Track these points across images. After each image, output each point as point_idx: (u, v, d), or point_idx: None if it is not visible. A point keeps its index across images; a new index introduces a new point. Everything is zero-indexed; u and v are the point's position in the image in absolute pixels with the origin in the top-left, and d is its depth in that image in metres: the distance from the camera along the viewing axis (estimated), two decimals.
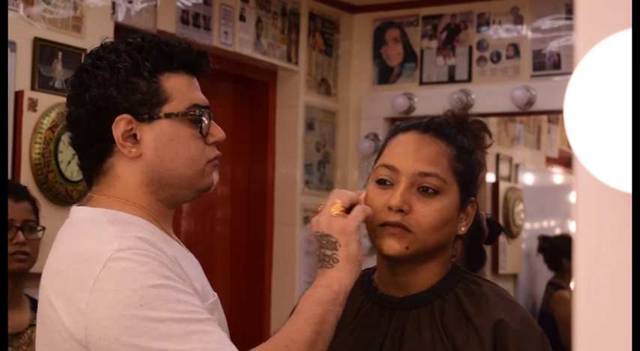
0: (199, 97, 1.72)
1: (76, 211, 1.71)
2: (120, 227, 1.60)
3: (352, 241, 1.63)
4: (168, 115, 1.67)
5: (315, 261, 1.68)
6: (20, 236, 2.70)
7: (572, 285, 1.17)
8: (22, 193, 2.79)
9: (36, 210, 2.81)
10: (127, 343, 1.49)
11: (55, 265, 1.62)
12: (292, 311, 1.70)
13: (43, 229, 2.77)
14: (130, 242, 1.56)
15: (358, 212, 1.66)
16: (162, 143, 1.67)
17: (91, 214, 1.67)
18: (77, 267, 1.56)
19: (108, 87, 1.66)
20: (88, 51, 1.76)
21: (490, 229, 2.85)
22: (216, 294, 1.73)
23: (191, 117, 1.69)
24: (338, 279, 1.62)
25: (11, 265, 2.64)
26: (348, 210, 1.68)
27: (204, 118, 1.70)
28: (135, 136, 1.67)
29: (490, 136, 1.83)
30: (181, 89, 1.70)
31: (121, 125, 1.65)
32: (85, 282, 1.53)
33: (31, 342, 2.62)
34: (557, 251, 5.69)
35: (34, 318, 2.45)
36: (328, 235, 1.64)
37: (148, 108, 1.66)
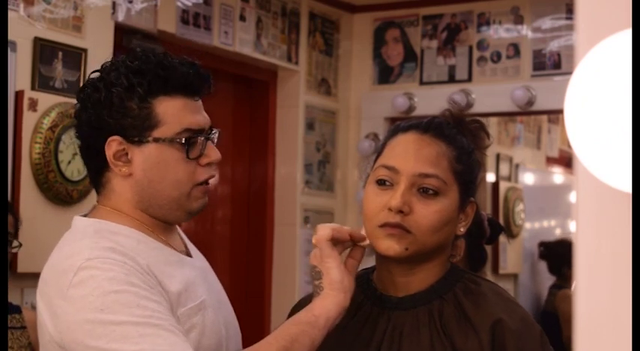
0: (193, 121, 1.76)
1: (75, 220, 1.82)
2: (98, 238, 1.70)
3: (331, 267, 1.67)
4: (156, 140, 1.74)
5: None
6: None
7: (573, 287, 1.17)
8: (9, 207, 2.78)
9: (16, 226, 2.79)
10: (89, 346, 1.59)
11: (44, 273, 1.73)
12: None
13: (20, 245, 2.75)
14: (98, 252, 1.66)
15: (320, 235, 1.70)
16: (150, 165, 1.74)
17: (84, 224, 1.78)
18: (56, 275, 1.68)
19: (101, 109, 1.74)
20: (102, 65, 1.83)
21: (491, 229, 2.85)
22: (206, 298, 1.77)
23: (179, 142, 1.74)
24: (321, 305, 1.66)
25: None
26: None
27: (197, 142, 1.75)
28: (127, 154, 1.74)
29: (488, 136, 1.83)
30: (174, 113, 1.75)
31: (112, 146, 1.74)
32: (61, 289, 1.65)
33: None
34: (556, 258, 5.69)
35: None
36: (315, 266, 1.70)
37: (138, 131, 1.74)
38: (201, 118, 1.78)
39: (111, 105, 1.73)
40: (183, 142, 1.74)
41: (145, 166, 1.74)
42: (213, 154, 1.78)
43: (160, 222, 1.79)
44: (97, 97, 1.74)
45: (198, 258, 1.91)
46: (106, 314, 1.59)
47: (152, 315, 1.60)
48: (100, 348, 1.58)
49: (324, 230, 1.70)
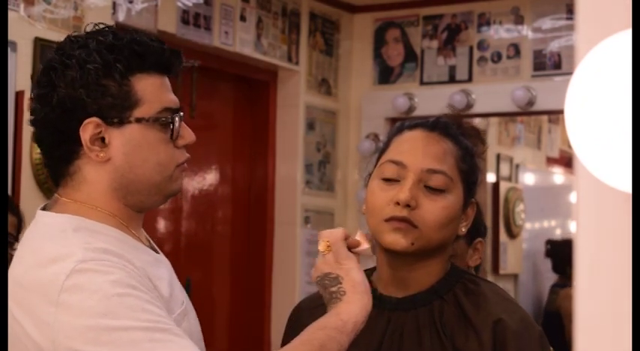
0: (171, 99, 1.65)
1: (42, 215, 1.65)
2: (85, 237, 1.56)
3: (351, 268, 1.59)
4: (139, 120, 1.61)
5: (326, 305, 1.61)
6: None
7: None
8: (12, 208, 2.78)
9: (20, 227, 2.79)
10: None
11: (19, 277, 1.56)
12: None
13: None
14: (94, 254, 1.52)
15: (335, 236, 1.62)
16: (132, 148, 1.61)
17: (57, 221, 1.61)
18: (41, 279, 1.52)
19: (77, 88, 1.58)
20: (56, 46, 1.67)
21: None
22: (185, 301, 1.67)
23: (162, 122, 1.62)
24: (347, 309, 1.56)
25: None
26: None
27: (175, 122, 1.64)
28: (103, 139, 1.60)
29: (484, 143, 1.84)
30: (153, 91, 1.63)
31: (89, 128, 1.59)
32: (50, 294, 1.49)
33: None
34: (562, 257, 5.69)
35: None
36: (328, 273, 1.61)
37: (118, 112, 1.60)
38: (175, 97, 1.67)
39: (88, 83, 1.57)
40: (167, 121, 1.62)
41: (125, 149, 1.60)
42: (188, 135, 1.67)
43: (133, 212, 1.66)
44: (71, 76, 1.57)
45: (162, 253, 1.78)
46: (110, 319, 1.46)
47: (159, 320, 1.48)
48: None
49: (336, 232, 1.63)
